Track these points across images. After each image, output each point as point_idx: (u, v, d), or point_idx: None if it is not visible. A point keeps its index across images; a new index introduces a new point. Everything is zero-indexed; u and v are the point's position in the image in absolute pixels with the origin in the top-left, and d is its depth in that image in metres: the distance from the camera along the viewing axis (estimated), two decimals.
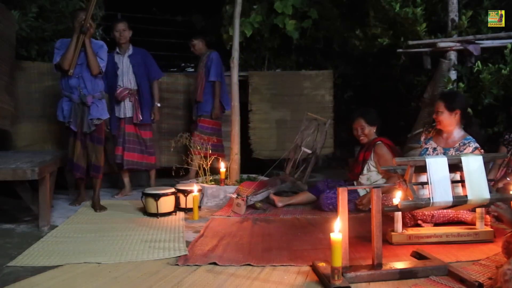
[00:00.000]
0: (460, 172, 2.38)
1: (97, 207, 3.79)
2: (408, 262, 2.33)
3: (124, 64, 4.38)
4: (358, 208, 3.64)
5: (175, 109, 5.35)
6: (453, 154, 2.98)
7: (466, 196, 2.30)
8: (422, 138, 3.33)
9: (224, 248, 2.71)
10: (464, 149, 2.99)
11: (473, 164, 2.30)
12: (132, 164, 4.35)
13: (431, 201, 2.26)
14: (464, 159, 2.30)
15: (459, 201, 2.32)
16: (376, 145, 3.77)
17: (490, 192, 2.31)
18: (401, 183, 2.35)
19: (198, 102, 4.82)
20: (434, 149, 3.14)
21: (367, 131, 3.87)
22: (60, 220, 3.43)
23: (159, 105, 4.54)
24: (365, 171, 3.82)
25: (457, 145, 3.05)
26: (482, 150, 2.99)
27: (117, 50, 4.41)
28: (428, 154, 3.13)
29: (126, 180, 4.50)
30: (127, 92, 4.31)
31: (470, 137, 3.05)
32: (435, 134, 3.23)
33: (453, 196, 2.28)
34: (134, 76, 4.38)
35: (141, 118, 4.35)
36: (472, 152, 2.93)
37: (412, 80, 4.93)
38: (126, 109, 4.35)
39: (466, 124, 3.15)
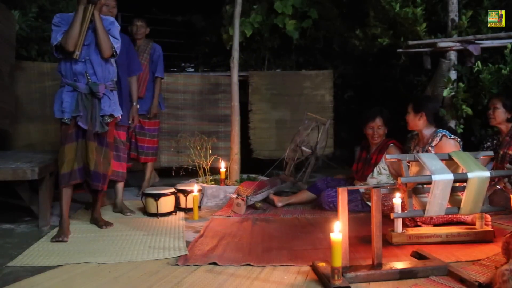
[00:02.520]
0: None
1: (101, 222, 3.24)
2: (408, 262, 2.33)
3: None
4: (364, 197, 3.61)
5: (175, 109, 5.35)
6: (428, 149, 3.11)
7: (458, 208, 2.33)
8: (412, 147, 3.40)
9: (224, 248, 2.71)
10: (433, 141, 3.12)
11: (479, 181, 2.26)
12: (116, 176, 3.60)
13: (425, 214, 2.29)
14: (470, 176, 2.25)
15: (451, 213, 2.37)
16: (389, 148, 3.71)
17: (484, 204, 2.33)
18: (402, 184, 2.35)
19: (139, 99, 4.18)
20: (417, 152, 3.24)
21: (381, 131, 3.78)
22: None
23: (138, 106, 3.94)
24: (375, 174, 3.75)
25: (429, 140, 3.16)
26: (452, 137, 3.08)
27: None
28: None
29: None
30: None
31: (440, 129, 3.16)
32: (418, 140, 3.35)
33: (446, 209, 2.31)
34: (115, 64, 3.58)
35: (120, 118, 3.53)
36: (440, 141, 3.07)
37: (412, 80, 4.94)
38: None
39: (439, 126, 3.25)
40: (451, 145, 3.03)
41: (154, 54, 4.37)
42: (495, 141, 3.64)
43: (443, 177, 2.23)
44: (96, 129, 3.02)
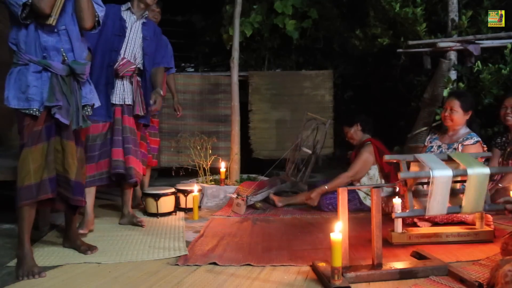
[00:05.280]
0: (462, 176, 2.37)
1: (84, 246, 2.60)
2: (408, 262, 2.33)
3: (134, 29, 3.13)
4: (307, 203, 3.72)
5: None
6: (457, 147, 3.07)
7: (460, 207, 2.30)
8: (428, 138, 3.38)
9: (224, 248, 2.70)
10: (466, 140, 3.07)
11: (478, 178, 2.25)
12: (137, 175, 3.11)
13: (426, 212, 2.26)
14: (470, 173, 2.25)
15: (453, 212, 2.33)
16: (364, 145, 3.80)
17: (486, 202, 2.31)
18: (401, 183, 2.35)
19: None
20: (439, 146, 3.21)
21: (350, 133, 3.95)
22: (60, 220, 3.43)
23: (162, 93, 3.36)
24: None
25: (460, 139, 3.12)
26: (484, 146, 3.08)
27: (130, 5, 3.15)
28: (432, 152, 3.17)
29: (90, 201, 3.03)
30: (133, 67, 3.08)
31: (474, 133, 3.13)
32: (440, 134, 3.29)
33: (447, 208, 2.28)
34: (142, 52, 3.15)
35: (145, 111, 3.17)
36: (473, 144, 3.03)
37: (412, 80, 4.94)
38: (126, 92, 3.09)
39: (469, 122, 3.23)
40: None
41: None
42: (504, 138, 3.67)
43: (442, 173, 2.22)
44: (80, 124, 2.37)
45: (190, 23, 6.79)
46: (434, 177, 2.18)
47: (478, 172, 2.23)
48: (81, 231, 2.89)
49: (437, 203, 2.23)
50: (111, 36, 2.99)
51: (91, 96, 2.49)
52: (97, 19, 2.44)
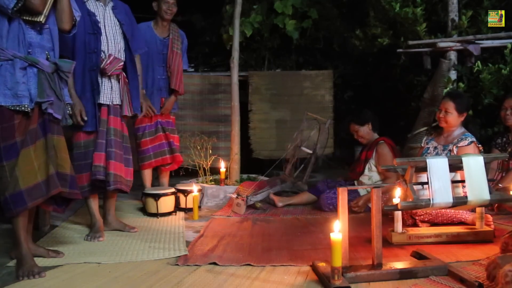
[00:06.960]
0: (461, 172, 2.38)
1: (51, 252, 2.56)
2: (408, 262, 2.33)
3: (108, 19, 2.86)
4: (354, 210, 3.52)
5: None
6: (452, 149, 3.07)
7: (466, 197, 2.30)
8: (424, 139, 3.38)
9: (224, 248, 2.70)
10: (460, 141, 3.08)
11: (474, 165, 2.30)
12: (121, 183, 2.86)
13: (431, 202, 2.26)
14: (464, 160, 2.30)
15: (459, 202, 2.33)
16: (378, 144, 3.77)
17: (490, 192, 2.32)
18: (401, 182, 2.36)
19: (179, 95, 3.96)
20: (435, 148, 3.21)
21: (361, 132, 3.90)
22: (60, 221, 3.43)
23: (143, 90, 3.36)
24: (366, 171, 3.81)
25: (455, 140, 3.12)
26: (479, 145, 3.09)
27: None
28: (429, 154, 3.18)
29: (96, 207, 3.00)
30: (122, 64, 2.89)
31: (468, 133, 3.14)
32: (436, 135, 3.29)
33: (453, 197, 2.29)
34: (124, 40, 2.91)
35: (132, 112, 3.01)
36: (468, 145, 3.03)
37: (412, 80, 4.94)
38: (114, 91, 2.89)
39: (464, 122, 3.22)
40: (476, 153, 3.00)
41: (183, 44, 3.94)
42: (504, 139, 3.67)
43: (437, 159, 2.27)
44: (68, 121, 2.47)
45: (190, 23, 6.79)
46: (429, 162, 2.22)
47: (472, 158, 2.31)
48: (101, 239, 2.86)
49: (439, 190, 2.24)
50: (84, 35, 2.73)
51: (67, 96, 2.49)
52: (74, 22, 2.44)
